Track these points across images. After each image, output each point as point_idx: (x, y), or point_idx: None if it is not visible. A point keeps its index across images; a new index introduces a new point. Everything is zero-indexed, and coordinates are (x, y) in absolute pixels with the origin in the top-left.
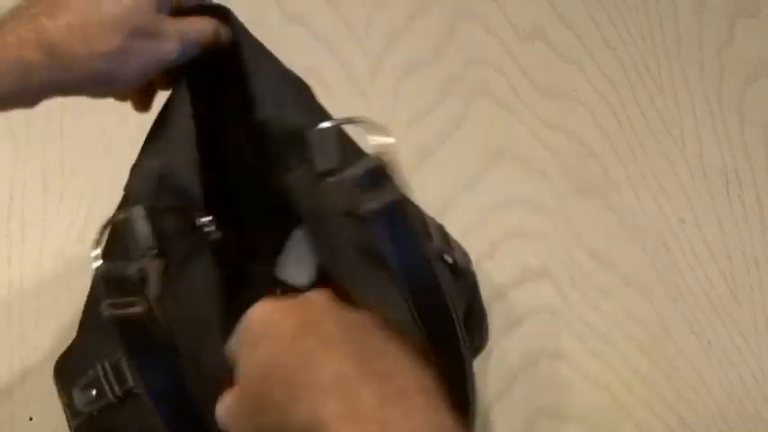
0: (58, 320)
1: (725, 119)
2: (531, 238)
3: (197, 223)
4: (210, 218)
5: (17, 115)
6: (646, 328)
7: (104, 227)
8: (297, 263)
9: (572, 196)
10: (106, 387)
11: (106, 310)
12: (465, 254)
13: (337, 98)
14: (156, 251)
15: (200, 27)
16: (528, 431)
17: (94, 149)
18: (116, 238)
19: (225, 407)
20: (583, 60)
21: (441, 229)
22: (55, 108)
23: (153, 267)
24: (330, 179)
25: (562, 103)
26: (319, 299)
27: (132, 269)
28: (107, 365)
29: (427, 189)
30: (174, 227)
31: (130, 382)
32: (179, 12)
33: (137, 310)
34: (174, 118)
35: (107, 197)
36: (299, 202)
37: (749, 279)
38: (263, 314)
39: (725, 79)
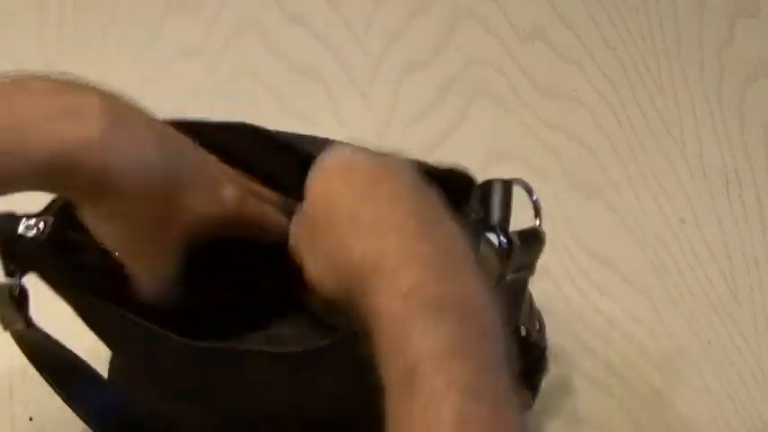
0: (58, 321)
1: (725, 119)
2: None
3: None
4: None
5: None
6: (646, 328)
7: None
8: None
9: (572, 196)
10: None
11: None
12: (540, 329)
13: (337, 98)
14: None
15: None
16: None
17: None
18: None
19: (293, 233)
20: (583, 60)
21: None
22: None
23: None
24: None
25: (562, 103)
26: (400, 162)
27: None
28: None
29: None
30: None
31: None
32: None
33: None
34: None
35: None
36: None
37: (749, 279)
38: (344, 153)
39: (725, 79)
